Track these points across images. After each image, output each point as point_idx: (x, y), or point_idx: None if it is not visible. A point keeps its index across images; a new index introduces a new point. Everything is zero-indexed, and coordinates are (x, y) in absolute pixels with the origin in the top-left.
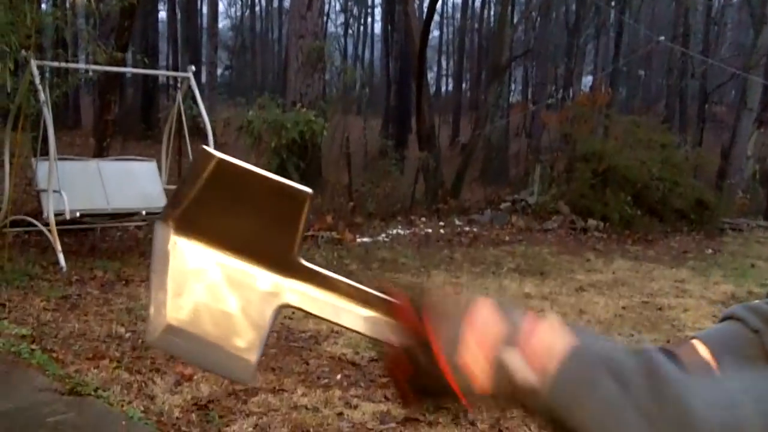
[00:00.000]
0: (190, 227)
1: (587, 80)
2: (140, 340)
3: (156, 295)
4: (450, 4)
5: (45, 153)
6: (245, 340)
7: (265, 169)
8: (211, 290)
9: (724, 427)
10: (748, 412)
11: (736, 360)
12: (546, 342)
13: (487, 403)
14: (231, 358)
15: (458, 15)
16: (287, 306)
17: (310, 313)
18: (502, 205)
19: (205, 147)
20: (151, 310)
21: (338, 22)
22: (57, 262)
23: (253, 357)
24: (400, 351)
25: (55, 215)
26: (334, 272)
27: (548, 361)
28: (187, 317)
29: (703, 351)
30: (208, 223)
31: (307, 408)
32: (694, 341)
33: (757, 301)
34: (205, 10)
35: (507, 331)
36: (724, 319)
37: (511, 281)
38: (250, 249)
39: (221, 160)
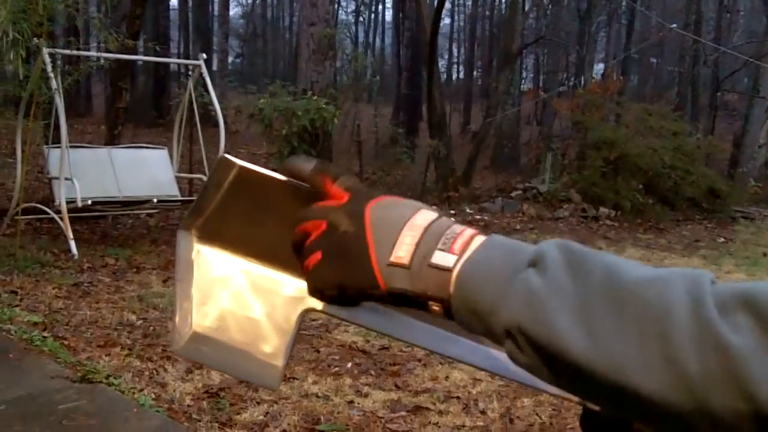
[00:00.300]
0: (213, 235)
1: (599, 68)
2: (152, 328)
3: (181, 304)
4: None
5: (57, 141)
6: (271, 346)
7: (276, 156)
8: (236, 297)
9: (655, 295)
10: (678, 287)
11: None
12: (469, 236)
13: (397, 279)
14: (257, 364)
15: (469, 2)
16: (312, 310)
17: (336, 317)
18: (513, 193)
19: (225, 155)
20: (177, 319)
21: (349, 10)
22: (68, 250)
23: (279, 362)
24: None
25: (67, 203)
26: None
27: (466, 248)
28: (212, 325)
29: None
30: (231, 231)
31: (317, 396)
32: None
33: None
34: None
35: (440, 229)
36: None
37: None
38: (274, 254)
39: (242, 168)
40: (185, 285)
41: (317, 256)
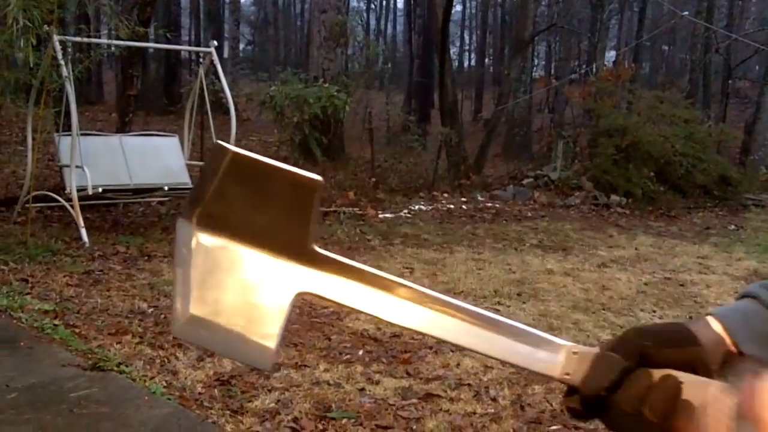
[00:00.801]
0: (210, 222)
1: (610, 55)
2: (163, 316)
3: (180, 289)
4: None
5: (67, 128)
6: (264, 329)
7: (288, 144)
8: (232, 281)
9: None
10: None
11: (750, 337)
12: None
13: None
14: (252, 347)
15: None
16: (305, 294)
17: (328, 299)
18: (525, 181)
19: (219, 142)
20: (176, 303)
21: None
22: (79, 238)
23: (272, 344)
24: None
25: (78, 191)
26: (356, 248)
27: None
28: (209, 308)
29: (717, 327)
30: (228, 217)
31: (329, 383)
32: (709, 317)
33: None
34: None
35: None
36: (741, 297)
37: (533, 257)
38: (268, 239)
39: (235, 154)
40: (184, 271)
41: None
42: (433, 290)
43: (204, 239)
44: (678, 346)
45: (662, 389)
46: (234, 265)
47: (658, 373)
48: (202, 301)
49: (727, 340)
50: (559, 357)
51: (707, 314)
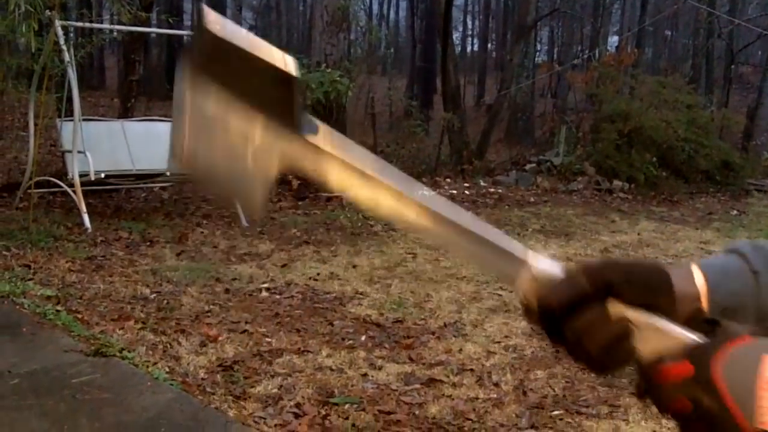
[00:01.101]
0: (203, 82)
1: (613, 40)
2: (165, 301)
3: (175, 137)
4: None
5: (69, 114)
6: (251, 189)
7: None
8: (225, 136)
9: None
10: None
11: (730, 296)
12: None
13: None
14: (240, 199)
15: None
16: (289, 163)
17: (311, 172)
18: (527, 166)
19: (203, 21)
20: (173, 148)
21: None
22: (82, 223)
23: (258, 194)
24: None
25: (80, 176)
26: (358, 233)
27: None
28: (201, 163)
29: (699, 280)
30: (218, 82)
31: (331, 369)
32: (694, 267)
33: (764, 239)
34: None
35: None
36: (729, 251)
37: (536, 242)
38: (257, 108)
39: (215, 37)
40: (179, 120)
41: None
42: (434, 269)
43: (196, 96)
44: (648, 289)
45: (608, 329)
46: (228, 123)
47: (617, 311)
48: (196, 151)
49: (704, 296)
50: (527, 271)
51: (693, 263)
